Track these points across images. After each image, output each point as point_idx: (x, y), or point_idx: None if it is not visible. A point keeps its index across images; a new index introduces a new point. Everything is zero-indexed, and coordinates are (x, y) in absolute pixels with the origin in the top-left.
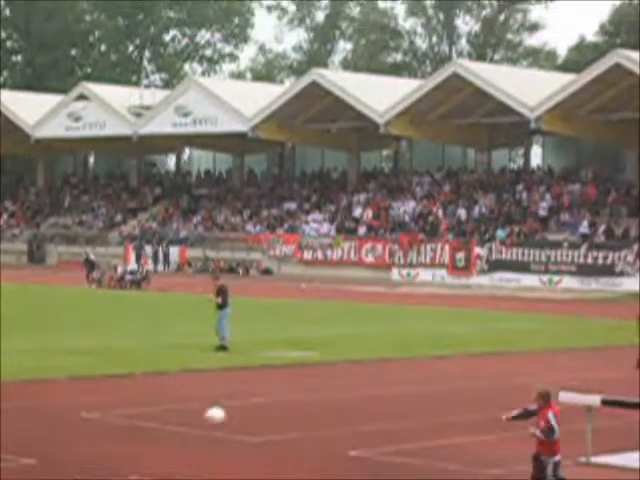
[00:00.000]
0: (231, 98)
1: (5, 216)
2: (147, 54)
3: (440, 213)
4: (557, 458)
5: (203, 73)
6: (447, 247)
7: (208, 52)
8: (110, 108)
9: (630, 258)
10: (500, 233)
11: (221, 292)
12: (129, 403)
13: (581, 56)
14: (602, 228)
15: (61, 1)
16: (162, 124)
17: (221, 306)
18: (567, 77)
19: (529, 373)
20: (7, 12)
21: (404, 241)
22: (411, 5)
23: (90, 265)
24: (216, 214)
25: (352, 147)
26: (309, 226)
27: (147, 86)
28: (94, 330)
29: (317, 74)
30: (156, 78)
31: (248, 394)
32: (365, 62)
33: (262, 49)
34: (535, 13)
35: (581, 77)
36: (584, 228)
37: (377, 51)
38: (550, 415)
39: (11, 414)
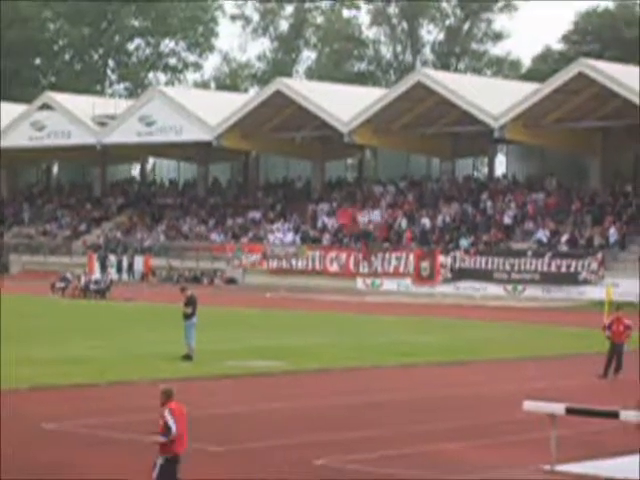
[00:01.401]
0: (195, 107)
1: None
2: (111, 63)
3: (404, 222)
4: (171, 456)
5: (167, 82)
6: (411, 256)
7: (172, 61)
8: (74, 117)
9: (594, 266)
10: (464, 242)
11: (190, 302)
12: (92, 413)
13: (545, 65)
14: (566, 237)
15: (25, 10)
16: (126, 133)
17: (188, 315)
18: (531, 86)
19: (494, 382)
20: None
21: (364, 250)
22: (375, 14)
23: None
24: (181, 223)
25: (316, 156)
26: (274, 235)
27: (111, 95)
28: (57, 340)
29: (281, 83)
30: (120, 87)
31: (212, 404)
32: (329, 71)
33: (226, 58)
34: (499, 23)
35: (545, 86)
36: (543, 236)
37: (341, 60)
38: (166, 412)
39: None
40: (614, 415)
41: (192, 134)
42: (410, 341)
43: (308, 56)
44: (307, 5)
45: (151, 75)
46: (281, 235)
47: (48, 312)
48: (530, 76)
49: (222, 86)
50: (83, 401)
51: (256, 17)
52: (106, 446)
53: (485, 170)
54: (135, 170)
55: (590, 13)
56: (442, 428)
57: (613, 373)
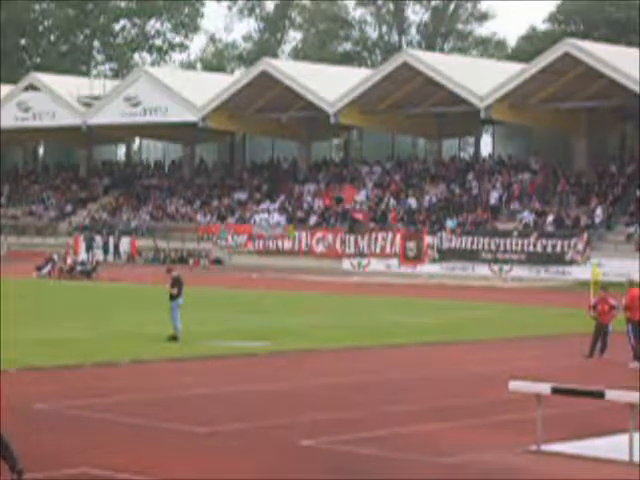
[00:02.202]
0: (181, 88)
1: None
2: (97, 44)
3: (391, 202)
4: None
5: (153, 63)
6: (398, 236)
7: (158, 42)
8: (59, 98)
9: (580, 247)
10: (450, 222)
11: (176, 283)
12: (79, 394)
13: (531, 46)
14: (552, 217)
15: None
16: (112, 114)
17: (174, 296)
18: (517, 66)
19: (481, 362)
20: None
21: (351, 230)
22: None
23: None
24: (166, 204)
25: (302, 137)
26: (260, 216)
27: (97, 76)
28: (44, 321)
29: (267, 64)
30: (106, 68)
31: (199, 384)
32: (315, 52)
33: (212, 39)
34: (484, 3)
35: (531, 66)
36: (528, 217)
37: (327, 41)
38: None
39: None
40: (600, 395)
41: (178, 115)
42: (396, 321)
43: (294, 36)
44: None
45: (137, 56)
46: (267, 216)
47: (34, 293)
48: (516, 56)
49: (208, 67)
50: (69, 382)
51: None
52: (94, 427)
53: (471, 150)
54: (121, 151)
55: None
56: (427, 408)
57: (599, 353)
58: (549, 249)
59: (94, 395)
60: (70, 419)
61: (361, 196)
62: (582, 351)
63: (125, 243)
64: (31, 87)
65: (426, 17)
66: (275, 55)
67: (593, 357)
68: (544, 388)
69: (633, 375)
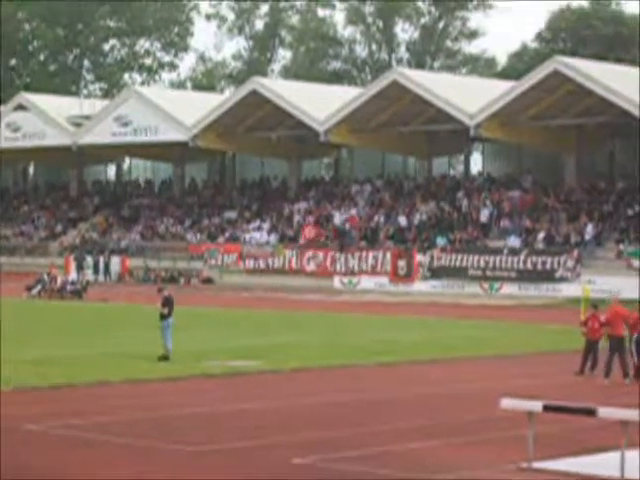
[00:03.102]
0: (171, 107)
1: None
2: (86, 64)
3: (381, 221)
4: None
5: (143, 82)
6: (388, 255)
7: (148, 61)
8: (49, 118)
9: (570, 263)
10: (441, 240)
11: (167, 303)
12: (70, 414)
13: (520, 63)
14: (542, 234)
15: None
16: (102, 134)
17: (165, 316)
18: (506, 84)
19: (472, 380)
20: None
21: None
22: (350, 13)
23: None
24: (157, 224)
25: (292, 155)
26: (250, 235)
27: (86, 96)
28: (35, 340)
29: (257, 83)
30: (96, 88)
31: (191, 404)
32: (305, 70)
33: (202, 58)
34: (474, 21)
35: (520, 84)
36: (512, 241)
37: (317, 59)
38: None
39: None
40: (591, 412)
41: (168, 134)
42: (387, 340)
43: (284, 55)
44: (282, 4)
45: (127, 76)
46: (257, 235)
47: (24, 313)
48: (505, 74)
49: (198, 86)
50: (61, 402)
51: (231, 16)
52: (86, 447)
53: (461, 168)
54: (111, 171)
55: (564, 10)
56: (419, 426)
57: (589, 370)
58: (539, 266)
59: (85, 415)
60: (61, 439)
61: (352, 214)
62: (573, 368)
63: (115, 263)
64: (20, 107)
65: (415, 35)
66: (265, 74)
67: (584, 374)
68: (535, 405)
69: (624, 392)
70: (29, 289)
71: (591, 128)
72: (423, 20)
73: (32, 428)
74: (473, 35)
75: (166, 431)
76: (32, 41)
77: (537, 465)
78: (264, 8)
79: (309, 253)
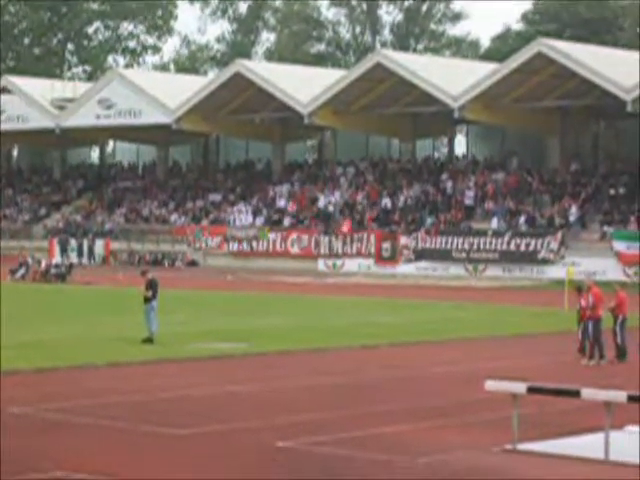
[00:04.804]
0: (155, 90)
1: None
2: (70, 47)
3: (365, 203)
4: None
5: (126, 65)
6: (373, 237)
7: (131, 44)
8: (33, 101)
9: (554, 245)
10: (425, 222)
11: (151, 285)
12: (55, 397)
13: (504, 45)
14: (525, 216)
15: None
16: (85, 116)
17: (149, 299)
18: (490, 66)
19: (456, 361)
20: None
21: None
22: None
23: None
24: (141, 206)
25: (276, 138)
26: (234, 217)
27: (70, 78)
28: (18, 324)
29: (240, 65)
30: (79, 70)
31: (175, 386)
32: (289, 53)
33: (185, 41)
34: (458, 3)
35: (504, 66)
36: (495, 223)
37: (300, 42)
38: None
39: None
40: (576, 394)
41: (151, 117)
42: (372, 322)
43: (267, 38)
44: None
45: (110, 58)
46: (242, 217)
47: (8, 296)
48: (489, 56)
49: (181, 68)
50: (45, 385)
51: None
52: (70, 430)
53: (445, 150)
54: (94, 153)
55: None
56: (403, 409)
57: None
58: (522, 248)
59: (70, 398)
60: (45, 423)
61: (336, 197)
62: (557, 350)
63: (99, 246)
64: (4, 90)
65: (399, 17)
66: (248, 56)
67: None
68: (520, 387)
69: (610, 373)
70: (13, 272)
71: (575, 110)
72: (407, 2)
73: (15, 411)
74: (457, 17)
75: (150, 414)
76: (16, 24)
77: (521, 447)
78: None
79: (293, 235)
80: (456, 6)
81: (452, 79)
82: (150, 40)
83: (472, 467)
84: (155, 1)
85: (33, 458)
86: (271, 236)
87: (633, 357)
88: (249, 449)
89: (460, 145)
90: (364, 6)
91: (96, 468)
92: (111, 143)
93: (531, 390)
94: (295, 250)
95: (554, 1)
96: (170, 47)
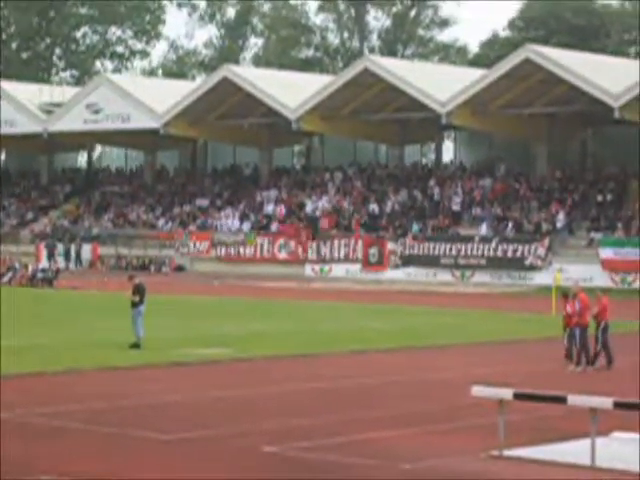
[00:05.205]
0: (142, 95)
1: None
2: (58, 51)
3: (352, 208)
4: None
5: (114, 70)
6: (360, 242)
7: (119, 49)
8: (20, 105)
9: (541, 251)
10: (412, 228)
11: (138, 290)
12: (41, 402)
13: (492, 51)
14: (513, 222)
15: None
16: (73, 121)
17: (136, 304)
18: (478, 72)
19: (443, 368)
20: None
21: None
22: (322, 1)
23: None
24: (128, 211)
25: (264, 143)
26: (222, 223)
27: (58, 83)
28: (5, 328)
29: (228, 70)
30: (67, 75)
31: (161, 392)
32: (276, 58)
33: (173, 46)
34: (446, 9)
35: (492, 72)
36: (484, 230)
37: (288, 47)
38: None
39: None
40: (562, 400)
41: (139, 122)
42: (359, 327)
43: (255, 43)
44: None
45: (98, 63)
46: (229, 222)
47: None
48: (477, 62)
49: (169, 73)
50: (32, 390)
51: (203, 4)
52: (57, 435)
53: (433, 156)
54: (82, 158)
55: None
56: (390, 414)
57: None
58: (509, 254)
59: (57, 403)
60: (32, 427)
61: (323, 202)
62: (544, 356)
63: (86, 250)
64: None
65: (387, 23)
66: (236, 62)
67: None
68: (506, 393)
69: (596, 380)
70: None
71: (563, 117)
72: (395, 8)
73: (3, 416)
74: (445, 23)
75: (137, 419)
76: (5, 28)
77: (508, 453)
78: None
79: (280, 240)
80: (444, 12)
81: (440, 85)
82: (138, 45)
83: (458, 472)
84: (143, 6)
85: (19, 463)
86: (258, 241)
87: (622, 364)
88: (235, 454)
89: (448, 151)
90: (352, 12)
91: (83, 473)
92: (99, 148)
93: (517, 396)
94: (282, 255)
95: (541, 7)
96: (158, 52)
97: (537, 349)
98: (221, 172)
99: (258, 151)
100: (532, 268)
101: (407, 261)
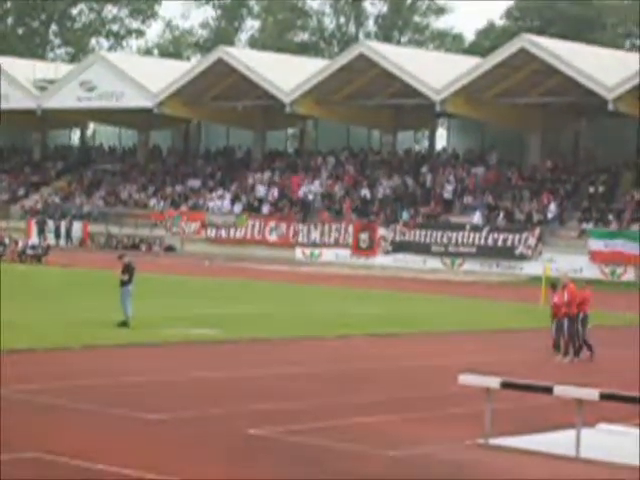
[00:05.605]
0: (137, 74)
1: None
2: (54, 28)
3: (344, 193)
4: None
5: (110, 48)
6: (351, 227)
7: (115, 27)
8: (14, 81)
9: (531, 241)
10: (404, 215)
11: (128, 269)
12: (29, 379)
13: (487, 40)
14: (504, 212)
15: None
16: (67, 98)
17: (125, 283)
18: (473, 61)
19: (430, 355)
20: None
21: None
22: None
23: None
24: (120, 190)
25: (257, 126)
26: (213, 204)
27: (53, 60)
28: None
29: (224, 51)
30: (62, 52)
31: (149, 371)
32: (272, 41)
33: (169, 25)
34: None
35: (487, 61)
36: (476, 219)
37: (284, 30)
38: None
39: None
40: (548, 390)
41: (133, 100)
42: (348, 312)
43: (251, 25)
44: None
45: (94, 41)
46: (220, 204)
47: None
48: (472, 50)
49: (165, 53)
50: (20, 367)
51: None
52: (44, 412)
53: (426, 143)
54: (75, 135)
55: None
56: (377, 401)
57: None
58: (500, 243)
59: (44, 380)
60: (19, 404)
61: (315, 186)
62: (532, 345)
63: (77, 228)
64: None
65: (384, 9)
66: (232, 43)
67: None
68: (493, 382)
69: (583, 370)
70: None
71: (556, 107)
72: None
73: None
74: (441, 11)
75: (123, 398)
76: (1, 4)
77: (494, 442)
78: None
79: (272, 223)
80: (440, 0)
81: (435, 72)
82: (134, 24)
83: (444, 461)
84: None
85: (5, 438)
86: (249, 223)
87: (609, 355)
88: (220, 436)
89: (441, 138)
90: None
91: (68, 450)
92: (92, 126)
93: (504, 385)
94: (273, 238)
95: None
96: (154, 32)
97: (525, 339)
98: (214, 153)
99: (252, 133)
100: (522, 258)
101: (397, 247)
